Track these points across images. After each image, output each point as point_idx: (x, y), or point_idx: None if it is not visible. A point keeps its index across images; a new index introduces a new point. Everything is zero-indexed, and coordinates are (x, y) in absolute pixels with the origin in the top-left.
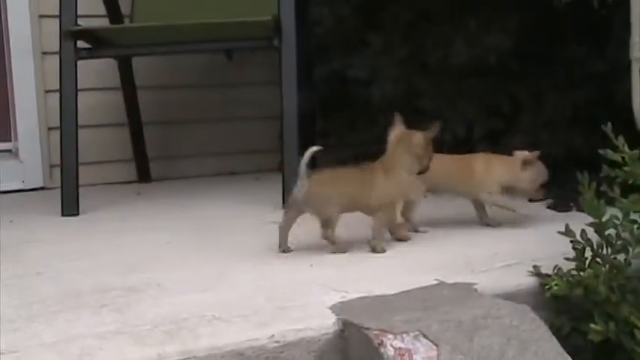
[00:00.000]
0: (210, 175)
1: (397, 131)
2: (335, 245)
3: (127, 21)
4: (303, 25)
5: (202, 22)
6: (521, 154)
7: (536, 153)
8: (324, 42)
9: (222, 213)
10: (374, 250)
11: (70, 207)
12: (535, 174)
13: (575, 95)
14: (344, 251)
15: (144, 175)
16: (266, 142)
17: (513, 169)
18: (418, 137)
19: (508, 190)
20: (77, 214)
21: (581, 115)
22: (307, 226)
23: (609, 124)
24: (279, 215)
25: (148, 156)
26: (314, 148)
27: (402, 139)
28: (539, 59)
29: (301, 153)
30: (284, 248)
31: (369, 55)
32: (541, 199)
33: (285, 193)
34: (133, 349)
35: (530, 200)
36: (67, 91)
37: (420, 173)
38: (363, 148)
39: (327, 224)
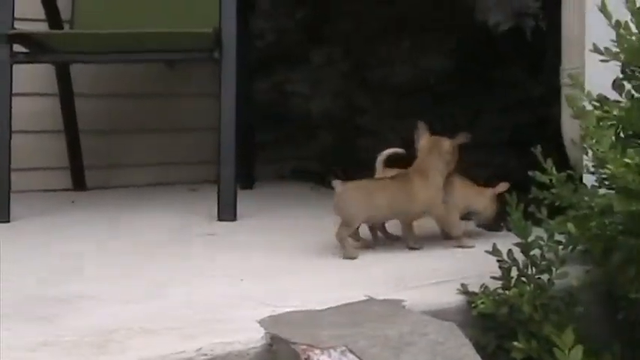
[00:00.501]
0: (148, 185)
1: (427, 139)
2: (345, 250)
3: (67, 27)
4: (245, 37)
5: (143, 32)
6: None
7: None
8: (265, 55)
9: (157, 223)
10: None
11: (1, 213)
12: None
13: (512, 118)
14: (353, 257)
15: (79, 183)
16: (204, 154)
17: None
18: (448, 144)
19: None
20: (8, 221)
21: (517, 137)
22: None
23: (539, 146)
24: (213, 227)
25: (85, 164)
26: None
27: (434, 146)
28: (478, 81)
29: (240, 165)
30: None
31: (310, 70)
32: None
33: (221, 205)
34: None
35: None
36: (1, 94)
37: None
38: (303, 162)
39: (345, 225)
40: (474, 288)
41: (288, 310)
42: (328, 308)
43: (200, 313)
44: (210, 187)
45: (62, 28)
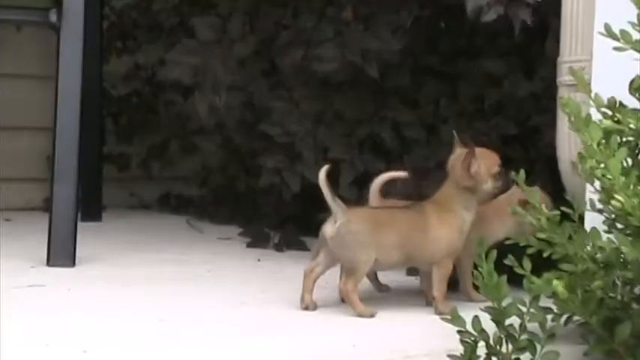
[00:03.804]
0: None
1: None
2: (356, 308)
3: None
4: None
5: None
6: None
7: None
8: (125, 24)
9: None
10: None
11: None
12: None
13: (485, 127)
14: (370, 315)
15: None
16: (29, 167)
17: None
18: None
19: None
20: None
21: None
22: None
23: (522, 171)
24: (38, 274)
25: None
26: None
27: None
28: (440, 76)
29: (83, 186)
30: (307, 304)
31: (191, 49)
32: None
33: (53, 243)
34: None
35: None
36: None
37: None
38: (175, 185)
39: (351, 274)
40: None
41: None
42: None
43: None
44: (35, 215)
45: None
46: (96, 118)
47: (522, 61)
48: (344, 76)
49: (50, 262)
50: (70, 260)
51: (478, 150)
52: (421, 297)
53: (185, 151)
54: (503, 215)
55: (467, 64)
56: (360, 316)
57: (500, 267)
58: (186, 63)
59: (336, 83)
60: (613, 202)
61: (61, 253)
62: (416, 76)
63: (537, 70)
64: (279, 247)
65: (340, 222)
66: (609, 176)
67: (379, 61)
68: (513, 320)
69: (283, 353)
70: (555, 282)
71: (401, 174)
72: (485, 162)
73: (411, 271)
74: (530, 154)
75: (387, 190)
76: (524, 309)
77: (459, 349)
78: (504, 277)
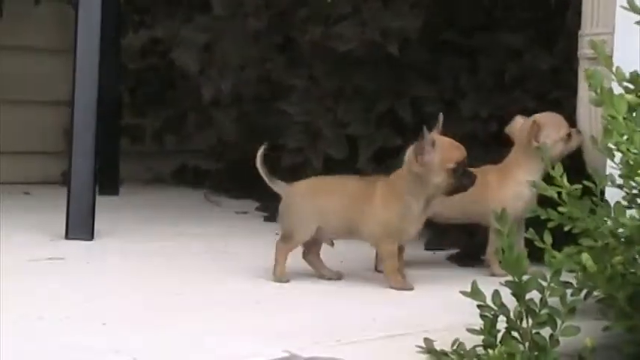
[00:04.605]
0: None
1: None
2: (277, 274)
3: None
4: None
5: None
6: None
7: None
8: None
9: None
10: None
11: None
12: None
13: (504, 101)
14: (283, 281)
15: None
16: (45, 140)
17: None
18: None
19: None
20: None
21: None
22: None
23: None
24: (57, 248)
25: None
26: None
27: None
28: (459, 50)
29: (100, 160)
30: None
31: (206, 23)
32: None
33: (72, 217)
34: None
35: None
36: None
37: None
38: (191, 159)
39: (288, 238)
40: (443, 345)
41: None
42: None
43: None
44: (53, 189)
45: None
46: (113, 92)
47: (542, 34)
48: (363, 53)
49: (69, 235)
50: (89, 233)
51: (443, 141)
52: (439, 272)
53: (201, 125)
54: None
55: (486, 38)
56: (277, 280)
57: None
58: (195, 46)
59: (354, 60)
60: (638, 178)
61: (80, 226)
62: (435, 50)
63: (557, 44)
64: None
65: (282, 199)
66: (634, 151)
67: (399, 37)
68: (533, 295)
69: (303, 325)
70: (584, 255)
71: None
72: (444, 155)
73: (429, 246)
74: None
75: None
76: (544, 283)
77: (478, 324)
78: (525, 252)
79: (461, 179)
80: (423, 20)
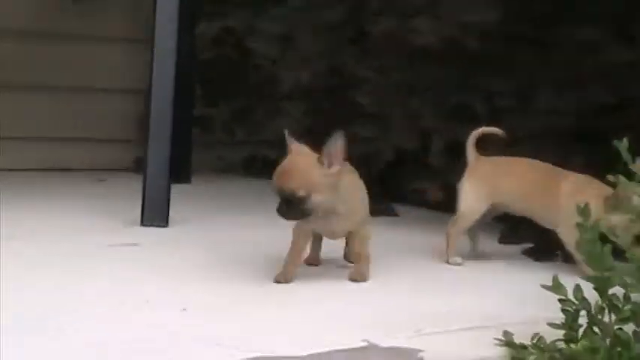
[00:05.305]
0: (33, 170)
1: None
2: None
3: None
4: None
5: None
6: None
7: None
8: None
9: (49, 228)
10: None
11: None
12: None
13: (580, 95)
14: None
15: None
16: (118, 128)
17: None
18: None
19: None
20: None
21: (586, 124)
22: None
23: (625, 140)
24: (132, 234)
25: None
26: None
27: None
28: (534, 43)
29: (173, 149)
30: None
31: (282, 14)
32: None
33: (147, 204)
34: None
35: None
36: None
37: None
38: (261, 148)
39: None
40: (522, 338)
41: (254, 355)
42: (312, 355)
43: (127, 356)
44: (125, 176)
45: None
46: (187, 81)
47: (621, 27)
48: (436, 46)
49: (144, 221)
50: (164, 220)
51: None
52: (513, 265)
53: (271, 115)
54: None
55: (562, 31)
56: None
57: (603, 236)
58: (275, 28)
59: (428, 53)
60: None
61: (155, 213)
62: (509, 44)
63: (637, 37)
64: None
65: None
66: None
67: (476, 32)
68: (616, 290)
69: (380, 316)
70: None
71: (496, 130)
72: None
73: (504, 240)
74: (628, 123)
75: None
76: (628, 279)
77: (556, 318)
78: (609, 247)
79: None
80: (500, 13)
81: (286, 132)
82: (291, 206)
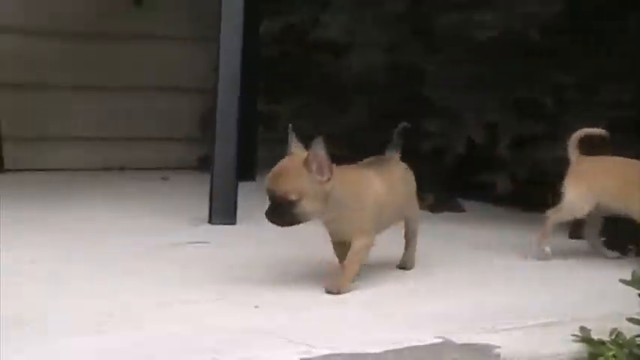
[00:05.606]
0: (93, 170)
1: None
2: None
3: None
4: None
5: None
6: None
7: None
8: None
9: (111, 226)
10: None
11: None
12: None
13: None
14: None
15: None
16: (181, 126)
17: None
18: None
19: None
20: None
21: None
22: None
23: None
24: (197, 233)
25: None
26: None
27: None
28: (599, 35)
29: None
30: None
31: (346, 7)
32: None
33: (215, 202)
34: None
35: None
36: None
37: None
38: (328, 144)
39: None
40: (600, 334)
41: (327, 352)
42: (386, 352)
43: (199, 353)
44: (189, 174)
45: None
46: (252, 79)
47: None
48: (500, 40)
49: (212, 220)
50: (232, 218)
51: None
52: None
53: (337, 110)
54: None
55: (627, 22)
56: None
57: None
58: (337, 22)
59: (493, 46)
60: None
61: (223, 211)
62: (572, 36)
63: None
64: (433, 208)
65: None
66: None
67: (539, 24)
68: None
69: (454, 312)
70: None
71: (598, 130)
72: None
73: (573, 234)
74: None
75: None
76: None
77: (633, 314)
78: None
79: None
80: (565, 5)
81: (290, 128)
82: (281, 210)
